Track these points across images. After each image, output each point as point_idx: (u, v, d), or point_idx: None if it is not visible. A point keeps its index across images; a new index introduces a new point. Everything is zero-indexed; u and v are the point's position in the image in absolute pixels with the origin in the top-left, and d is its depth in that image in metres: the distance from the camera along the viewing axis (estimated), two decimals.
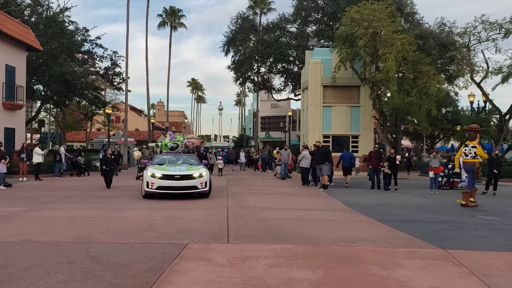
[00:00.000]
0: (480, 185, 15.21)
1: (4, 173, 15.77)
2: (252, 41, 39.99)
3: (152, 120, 41.46)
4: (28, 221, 8.52)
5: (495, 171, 15.33)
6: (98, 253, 5.85)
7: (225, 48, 40.72)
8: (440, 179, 16.69)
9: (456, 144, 46.99)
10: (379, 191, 15.72)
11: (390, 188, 16.01)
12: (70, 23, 30.70)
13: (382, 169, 16.10)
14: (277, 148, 29.18)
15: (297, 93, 40.10)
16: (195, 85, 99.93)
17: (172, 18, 50.36)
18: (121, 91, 37.36)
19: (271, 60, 38.34)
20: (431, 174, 15.79)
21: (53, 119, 44.26)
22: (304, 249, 6.27)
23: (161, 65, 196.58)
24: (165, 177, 12.17)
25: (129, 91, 37.31)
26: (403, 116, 29.90)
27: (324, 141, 24.27)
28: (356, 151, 24.55)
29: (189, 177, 12.34)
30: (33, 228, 7.75)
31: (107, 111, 31.29)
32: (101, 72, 35.22)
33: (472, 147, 11.62)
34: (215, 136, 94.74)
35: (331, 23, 35.85)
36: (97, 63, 34.51)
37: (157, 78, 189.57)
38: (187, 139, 29.38)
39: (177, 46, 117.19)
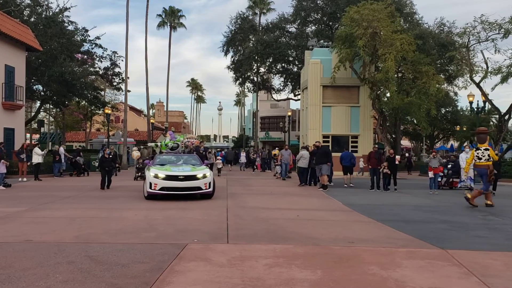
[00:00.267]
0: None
1: (4, 173, 15.77)
2: (251, 41, 40.01)
3: (151, 120, 41.41)
4: (27, 221, 8.52)
5: (494, 171, 15.32)
6: (98, 253, 5.86)
7: (224, 48, 40.78)
8: (439, 179, 16.70)
9: (456, 144, 47.08)
10: (379, 191, 15.75)
11: (389, 188, 16.03)
12: (69, 23, 30.79)
13: (381, 170, 16.11)
14: (276, 148, 29.17)
15: (296, 93, 40.12)
16: (194, 85, 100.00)
17: (171, 18, 50.33)
18: (120, 91, 37.48)
19: (270, 60, 38.33)
20: (430, 174, 15.78)
21: (53, 119, 44.29)
22: (304, 249, 6.27)
23: (161, 65, 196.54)
24: (168, 177, 11.90)
25: (129, 91, 37.32)
26: (403, 116, 29.89)
27: (324, 141, 24.32)
28: (356, 151, 24.57)
29: (193, 177, 12.09)
30: (33, 228, 7.75)
31: (106, 111, 31.26)
32: (100, 72, 35.26)
33: (485, 149, 11.56)
34: (215, 136, 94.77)
35: (330, 23, 35.83)
36: (97, 63, 34.61)
37: (157, 78, 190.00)
38: (187, 139, 29.33)
39: (177, 46, 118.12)
